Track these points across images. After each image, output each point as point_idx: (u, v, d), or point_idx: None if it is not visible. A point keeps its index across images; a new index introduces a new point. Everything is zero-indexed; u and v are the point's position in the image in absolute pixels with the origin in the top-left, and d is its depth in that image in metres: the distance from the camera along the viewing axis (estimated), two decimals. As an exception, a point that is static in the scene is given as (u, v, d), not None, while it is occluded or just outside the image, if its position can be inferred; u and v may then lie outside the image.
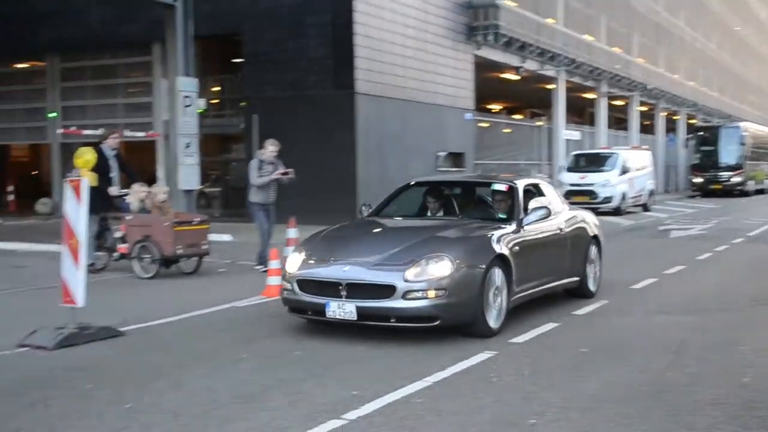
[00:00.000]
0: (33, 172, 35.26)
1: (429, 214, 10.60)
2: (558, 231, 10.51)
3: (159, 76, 24.27)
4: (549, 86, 38.65)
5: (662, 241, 20.53)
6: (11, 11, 25.42)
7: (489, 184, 10.86)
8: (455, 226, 9.70)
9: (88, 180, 8.80)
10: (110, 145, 13.95)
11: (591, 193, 29.47)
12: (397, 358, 7.76)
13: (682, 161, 53.96)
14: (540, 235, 9.99)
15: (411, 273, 8.21)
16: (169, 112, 20.72)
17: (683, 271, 14.11)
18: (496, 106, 46.76)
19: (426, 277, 8.20)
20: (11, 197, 29.60)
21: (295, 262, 9.02)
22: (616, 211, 29.27)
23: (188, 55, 20.60)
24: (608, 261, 13.46)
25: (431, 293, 8.13)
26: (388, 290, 8.19)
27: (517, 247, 9.20)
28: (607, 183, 29.76)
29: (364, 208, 11.12)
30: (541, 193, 10.83)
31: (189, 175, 19.55)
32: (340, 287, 8.34)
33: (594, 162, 31.77)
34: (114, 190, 13.66)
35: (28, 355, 7.98)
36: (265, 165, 13.98)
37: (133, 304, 11.10)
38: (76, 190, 8.43)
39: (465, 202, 10.86)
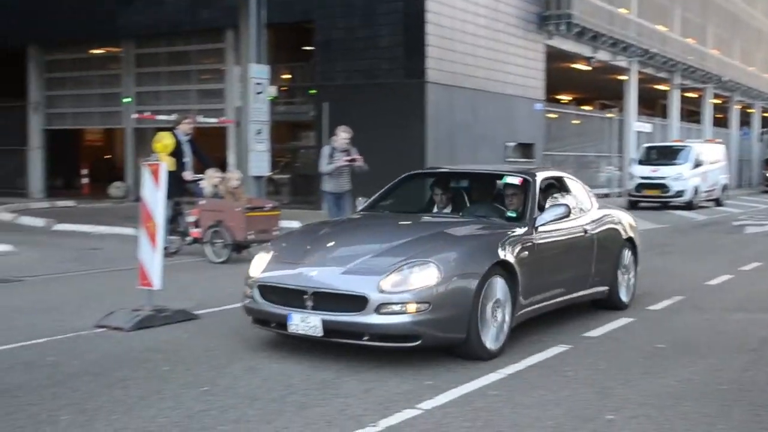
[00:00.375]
0: (106, 156, 35.85)
1: (430, 209, 9.40)
2: (582, 233, 9.08)
3: (231, 63, 24.49)
4: (621, 77, 38.14)
5: (737, 237, 20.10)
6: (88, -3, 25.88)
7: (500, 177, 9.31)
8: (452, 225, 8.37)
9: (167, 164, 8.89)
10: (184, 131, 14.12)
11: (663, 187, 29.07)
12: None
13: (756, 156, 52.97)
14: (558, 238, 8.62)
15: (388, 282, 6.92)
16: (240, 98, 20.90)
17: (760, 268, 13.80)
18: (565, 97, 46.29)
19: (406, 288, 6.89)
20: (85, 180, 30.14)
21: (259, 263, 7.76)
22: (689, 206, 28.80)
23: (261, 43, 20.75)
24: (682, 256, 13.21)
25: (411, 307, 6.80)
26: (359, 302, 6.87)
27: (525, 252, 7.85)
28: (679, 176, 29.26)
29: (360, 200, 9.82)
30: (564, 189, 9.53)
31: (259, 161, 19.71)
32: (306, 296, 7.07)
33: (666, 155, 31.25)
34: (188, 175, 13.82)
35: (106, 336, 8.11)
36: (337, 152, 13.95)
37: (206, 288, 11.25)
38: (155, 174, 8.52)
39: (472, 197, 9.52)
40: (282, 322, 7.22)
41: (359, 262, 7.25)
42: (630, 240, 10.21)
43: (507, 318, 7.54)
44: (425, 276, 6.94)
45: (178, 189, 13.45)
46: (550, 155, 30.96)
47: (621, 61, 36.40)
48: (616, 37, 34.10)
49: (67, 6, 26.71)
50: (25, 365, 7.02)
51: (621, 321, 9.10)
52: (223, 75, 25.73)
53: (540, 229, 8.24)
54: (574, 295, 9.00)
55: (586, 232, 9.14)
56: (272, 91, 21.10)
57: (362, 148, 14.53)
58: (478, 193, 9.53)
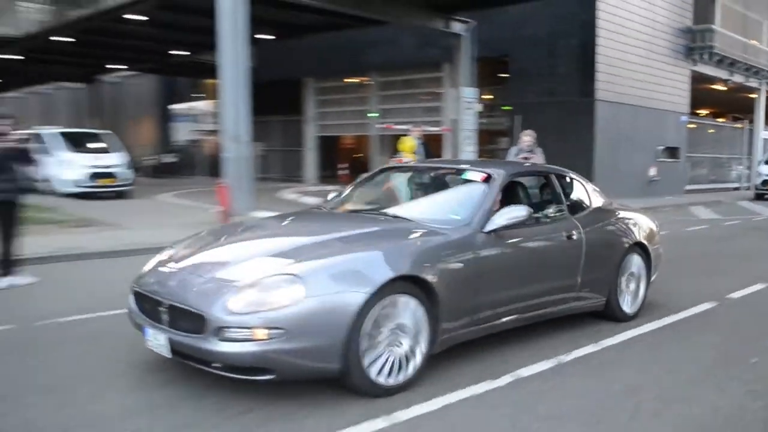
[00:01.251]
0: (356, 155, 36.86)
1: (397, 206, 6.23)
2: (564, 238, 5.93)
3: (448, 87, 24.51)
4: (751, 95, 35.39)
5: None
6: (347, 42, 26.61)
7: (463, 172, 6.20)
8: (366, 227, 5.25)
9: (410, 160, 9.04)
10: (416, 136, 14.28)
11: (785, 182, 26.91)
12: (553, 327, 6.64)
13: None
14: (519, 245, 5.48)
15: (240, 300, 4.26)
16: (454, 113, 21.02)
17: None
18: (704, 111, 43.39)
19: (258, 308, 4.20)
20: (343, 172, 31.14)
21: (151, 262, 5.28)
22: (806, 199, 26.47)
23: (471, 72, 20.77)
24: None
25: (260, 333, 4.15)
26: (199, 322, 4.30)
27: (459, 264, 4.93)
28: (799, 174, 26.97)
29: (331, 193, 6.86)
30: (551, 187, 6.40)
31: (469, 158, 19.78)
32: (161, 308, 4.55)
33: (789, 157, 28.86)
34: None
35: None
36: (523, 153, 13.38)
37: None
38: (401, 167, 8.67)
39: (429, 195, 6.52)
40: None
41: (223, 273, 4.59)
42: (640, 245, 6.78)
43: (421, 347, 4.72)
44: (284, 294, 4.25)
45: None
46: (691, 157, 29.32)
47: (752, 83, 33.74)
48: (750, 63, 31.65)
49: (332, 48, 27.60)
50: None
51: (757, 286, 8.40)
52: (441, 96, 25.81)
53: (492, 234, 5.26)
54: (551, 309, 5.86)
55: (570, 237, 5.98)
56: (478, 107, 21.10)
57: (544, 151, 14.00)
58: (433, 191, 6.56)
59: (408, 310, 4.64)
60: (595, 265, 6.18)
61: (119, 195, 19.92)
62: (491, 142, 28.10)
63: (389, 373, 4.54)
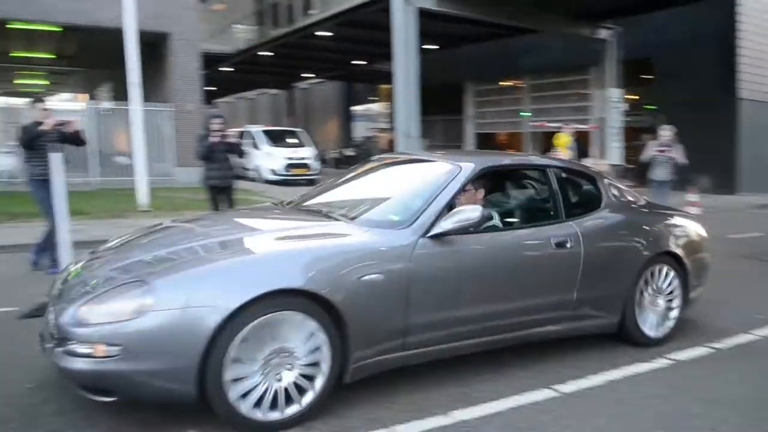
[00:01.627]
0: (509, 150, 36.15)
1: None
2: (550, 247, 4.17)
3: (594, 88, 23.33)
4: None
5: None
6: (502, 49, 26.03)
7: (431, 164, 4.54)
8: (276, 227, 4.06)
9: (564, 155, 8.63)
10: (569, 133, 13.63)
11: None
12: (705, 315, 5.59)
13: None
14: (477, 255, 3.89)
15: (90, 309, 3.16)
16: (601, 112, 20.07)
17: None
18: None
19: (105, 320, 3.09)
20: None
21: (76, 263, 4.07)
22: None
23: (616, 74, 19.72)
24: None
25: (100, 348, 3.05)
26: (54, 331, 3.30)
27: (378, 276, 3.47)
28: None
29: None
30: (548, 184, 4.48)
31: (615, 154, 18.96)
32: (49, 314, 3.52)
33: None
34: (571, 162, 13.34)
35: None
36: (662, 146, 12.02)
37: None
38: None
39: (385, 191, 4.61)
40: None
41: (92, 279, 3.47)
42: (672, 255, 4.74)
43: (321, 375, 3.39)
44: (130, 306, 3.10)
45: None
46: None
47: None
48: None
49: (489, 55, 27.08)
50: None
51: None
52: (588, 96, 24.60)
53: (437, 240, 3.73)
54: (532, 331, 4.19)
55: (561, 244, 4.22)
56: (623, 106, 19.99)
57: (688, 149, 12.61)
58: (399, 186, 4.60)
59: (299, 331, 3.30)
60: (601, 278, 4.38)
61: (310, 182, 20.68)
62: (636, 139, 26.50)
63: (270, 406, 3.27)
